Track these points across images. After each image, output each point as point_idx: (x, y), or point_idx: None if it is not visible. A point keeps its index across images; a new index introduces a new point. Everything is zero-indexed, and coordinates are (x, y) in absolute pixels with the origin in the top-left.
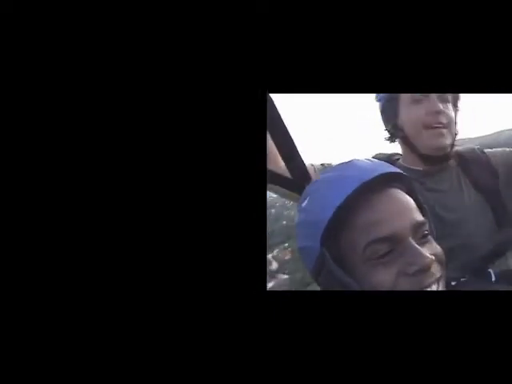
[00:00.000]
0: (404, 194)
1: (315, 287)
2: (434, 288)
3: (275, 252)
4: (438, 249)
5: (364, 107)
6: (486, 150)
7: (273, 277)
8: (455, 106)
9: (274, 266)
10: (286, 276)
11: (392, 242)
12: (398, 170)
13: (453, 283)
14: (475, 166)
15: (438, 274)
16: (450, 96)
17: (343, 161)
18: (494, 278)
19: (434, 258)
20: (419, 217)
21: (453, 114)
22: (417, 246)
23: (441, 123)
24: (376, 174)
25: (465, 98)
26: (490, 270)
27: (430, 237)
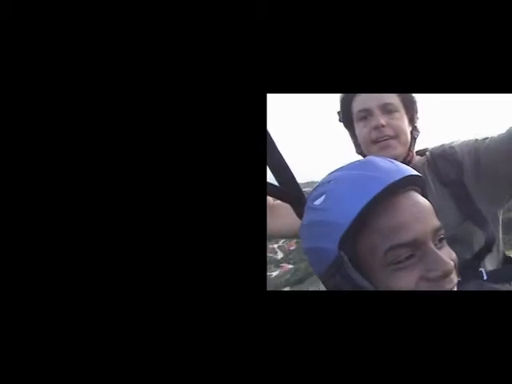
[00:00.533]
0: (421, 197)
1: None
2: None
3: (281, 242)
4: (453, 253)
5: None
6: (454, 144)
7: (277, 266)
8: (409, 109)
9: (280, 255)
10: (290, 265)
11: (413, 247)
12: (417, 173)
13: None
14: (441, 161)
15: (455, 280)
16: (397, 103)
17: (327, 165)
18: (485, 277)
19: (453, 263)
20: (437, 221)
21: (402, 123)
22: (437, 251)
23: (386, 136)
24: (401, 175)
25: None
26: (482, 269)
27: (444, 241)
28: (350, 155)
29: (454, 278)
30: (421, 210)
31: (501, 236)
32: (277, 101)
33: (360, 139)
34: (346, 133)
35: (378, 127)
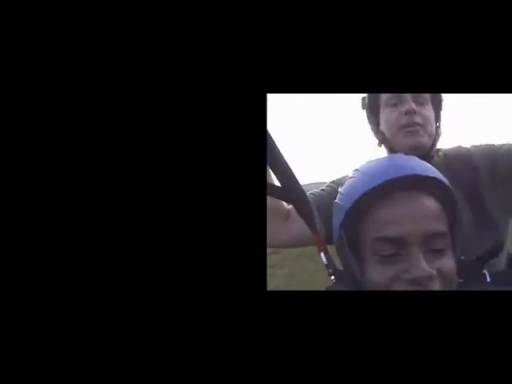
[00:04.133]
0: (432, 200)
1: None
2: None
3: None
4: (448, 265)
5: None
6: (470, 147)
7: None
8: (436, 106)
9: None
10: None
11: (397, 245)
12: (439, 176)
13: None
14: (457, 163)
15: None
16: (428, 97)
17: (336, 163)
18: (488, 279)
19: (434, 273)
20: (438, 227)
21: (431, 115)
22: (420, 255)
23: (415, 123)
24: (411, 172)
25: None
26: (485, 271)
27: (447, 251)
28: (351, 156)
29: (435, 288)
30: (417, 211)
31: (507, 241)
32: (277, 101)
33: (386, 125)
34: (348, 132)
35: (409, 112)
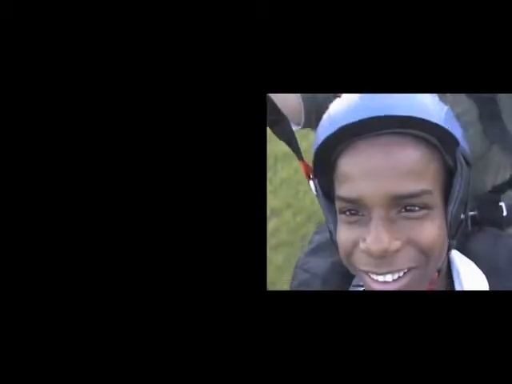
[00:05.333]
0: (411, 150)
1: None
2: (388, 278)
3: None
4: (425, 235)
5: None
6: None
7: None
8: None
9: None
10: None
11: (357, 206)
12: (423, 116)
13: (462, 216)
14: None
15: (404, 265)
16: None
17: None
18: (505, 213)
19: (396, 246)
20: (411, 187)
21: None
22: (380, 222)
23: None
24: (372, 114)
25: None
26: (502, 204)
27: (429, 216)
28: None
29: (401, 262)
30: (380, 166)
31: None
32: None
33: None
34: None
35: None
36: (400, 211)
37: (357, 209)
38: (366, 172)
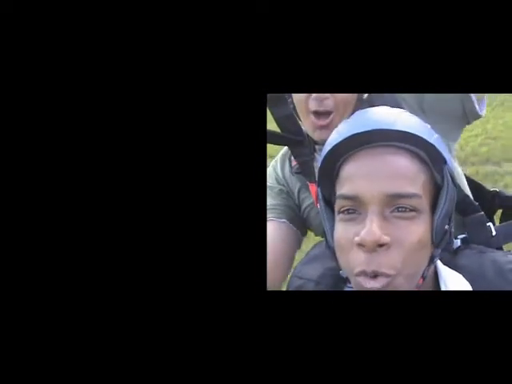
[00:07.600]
0: (404, 159)
1: None
2: (376, 285)
3: None
4: (410, 235)
5: None
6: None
7: None
8: None
9: None
10: None
11: (355, 204)
12: (413, 131)
13: (446, 227)
14: (379, 100)
15: (390, 270)
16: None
17: None
18: (494, 233)
19: (385, 239)
20: (403, 189)
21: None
22: (374, 217)
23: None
24: (373, 127)
25: None
26: (490, 224)
27: (418, 219)
28: None
29: (385, 267)
30: (377, 169)
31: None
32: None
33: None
34: None
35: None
36: (393, 211)
37: (354, 207)
38: (364, 174)
